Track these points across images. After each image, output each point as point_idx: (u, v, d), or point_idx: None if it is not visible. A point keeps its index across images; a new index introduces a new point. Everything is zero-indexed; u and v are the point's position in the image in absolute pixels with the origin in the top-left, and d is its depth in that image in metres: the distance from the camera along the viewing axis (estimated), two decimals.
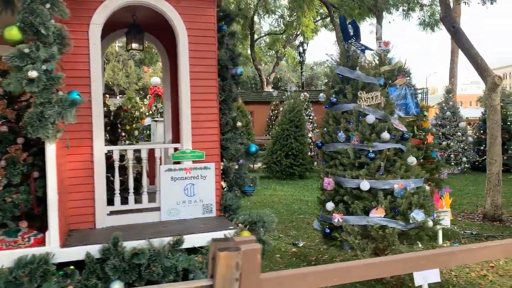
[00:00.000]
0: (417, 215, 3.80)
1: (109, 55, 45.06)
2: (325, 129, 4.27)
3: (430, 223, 3.87)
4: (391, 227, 3.74)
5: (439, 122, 13.30)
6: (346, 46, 4.23)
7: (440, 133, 13.35)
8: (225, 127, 4.40)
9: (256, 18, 33.38)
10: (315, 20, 29.16)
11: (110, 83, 45.33)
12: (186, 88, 4.21)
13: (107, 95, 4.99)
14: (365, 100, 4.00)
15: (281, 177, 11.45)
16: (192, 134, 4.23)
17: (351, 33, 4.28)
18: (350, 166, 3.96)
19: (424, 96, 23.13)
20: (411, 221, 3.79)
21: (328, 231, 4.04)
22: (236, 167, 4.38)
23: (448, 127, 13.13)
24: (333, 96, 4.15)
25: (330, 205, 4.04)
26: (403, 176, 3.86)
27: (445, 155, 13.14)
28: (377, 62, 5.66)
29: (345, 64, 4.18)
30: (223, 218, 4.20)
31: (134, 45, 4.77)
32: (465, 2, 20.80)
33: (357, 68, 4.14)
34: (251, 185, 4.22)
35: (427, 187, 4.19)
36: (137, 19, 4.90)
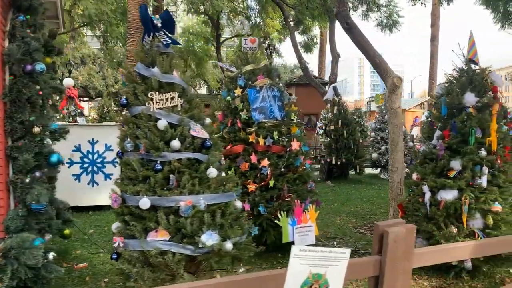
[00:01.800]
0: (209, 238, 3.21)
1: (86, 57, 44.15)
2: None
3: (228, 246, 3.28)
4: (171, 253, 3.14)
5: (378, 126, 12.82)
6: (144, 40, 3.64)
7: (379, 137, 12.87)
8: (14, 134, 3.76)
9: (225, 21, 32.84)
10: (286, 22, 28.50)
11: (89, 85, 44.40)
12: None
13: None
14: (157, 102, 3.41)
15: None
16: None
17: (159, 25, 3.69)
18: (137, 180, 3.36)
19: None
20: (200, 245, 3.19)
21: (115, 256, 3.43)
22: (28, 180, 3.74)
23: (387, 131, 12.62)
24: (124, 97, 3.54)
25: (114, 226, 3.43)
26: (192, 191, 3.26)
27: (384, 160, 12.67)
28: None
29: (144, 60, 3.58)
30: None
31: None
32: (422, 3, 20.55)
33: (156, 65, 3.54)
34: (33, 202, 3.58)
35: (238, 203, 3.60)
36: None
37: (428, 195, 4.62)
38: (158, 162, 3.31)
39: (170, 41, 3.68)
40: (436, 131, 4.78)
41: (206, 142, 3.47)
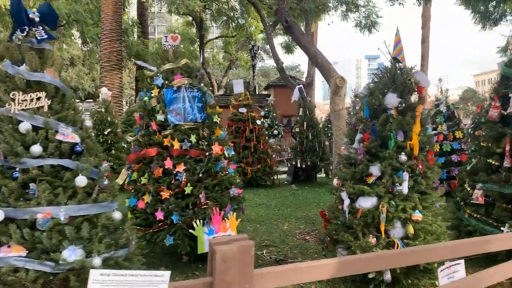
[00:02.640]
0: (72, 253, 2.91)
1: (76, 59, 43.75)
2: None
3: (96, 262, 2.97)
4: (25, 270, 2.83)
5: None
6: (14, 35, 3.32)
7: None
8: None
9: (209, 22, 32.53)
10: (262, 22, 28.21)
11: (79, 87, 43.99)
12: None
13: None
14: (19, 103, 3.10)
15: None
16: None
17: (36, 19, 3.38)
18: None
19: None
20: (61, 261, 2.89)
21: None
22: None
23: None
24: None
25: None
26: (51, 201, 2.95)
27: None
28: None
29: (14, 57, 3.27)
30: None
31: None
32: (400, 3, 20.38)
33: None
34: None
35: (117, 215, 3.29)
36: None
37: (346, 202, 4.34)
38: (17, 169, 3.00)
39: (45, 36, 3.37)
40: (357, 134, 4.51)
41: (77, 147, 3.16)
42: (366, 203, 4.22)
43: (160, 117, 4.75)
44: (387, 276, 4.09)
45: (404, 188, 4.17)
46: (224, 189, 4.91)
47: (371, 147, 4.28)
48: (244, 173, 11.16)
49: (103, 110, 10.59)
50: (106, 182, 3.39)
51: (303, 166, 11.62)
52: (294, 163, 11.87)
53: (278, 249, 5.79)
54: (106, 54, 18.55)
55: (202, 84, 4.95)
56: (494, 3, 22.53)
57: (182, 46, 21.74)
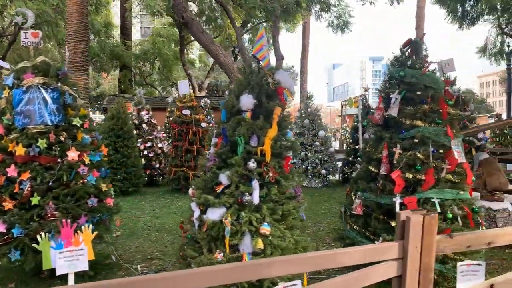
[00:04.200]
0: None
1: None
2: None
3: None
4: None
5: (298, 131, 12.13)
6: None
7: (298, 142, 12.17)
8: None
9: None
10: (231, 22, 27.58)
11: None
12: None
13: None
14: None
15: None
16: None
17: None
18: None
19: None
20: None
21: None
22: None
23: (306, 136, 11.96)
24: None
25: None
26: None
27: (303, 167, 11.97)
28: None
29: None
30: None
31: None
32: (371, 2, 20.01)
33: None
34: None
35: None
36: None
37: (196, 213, 3.94)
38: None
39: None
40: (213, 139, 4.11)
41: None
42: (214, 215, 3.81)
43: (6, 119, 4.35)
44: None
45: (255, 198, 3.77)
46: (81, 199, 4.51)
47: (220, 152, 3.88)
48: (185, 178, 10.77)
49: None
50: None
51: None
52: None
53: (162, 262, 5.38)
54: (71, 56, 18.21)
55: (59, 84, 4.55)
56: (471, 2, 22.10)
57: (162, 47, 21.05)
